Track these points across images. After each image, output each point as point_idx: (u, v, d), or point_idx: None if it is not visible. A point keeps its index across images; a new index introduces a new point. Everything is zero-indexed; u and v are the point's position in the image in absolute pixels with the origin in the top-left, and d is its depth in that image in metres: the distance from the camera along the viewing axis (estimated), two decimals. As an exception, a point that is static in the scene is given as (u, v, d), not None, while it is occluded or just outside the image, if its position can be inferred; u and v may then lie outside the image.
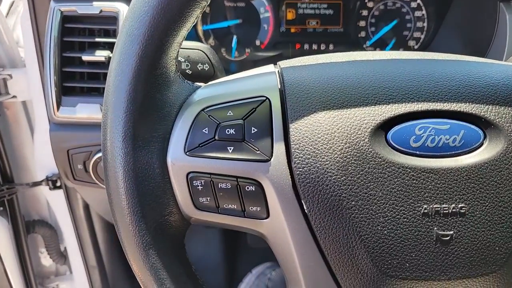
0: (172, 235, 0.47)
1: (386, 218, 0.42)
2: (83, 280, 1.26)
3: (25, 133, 1.17)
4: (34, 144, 1.08)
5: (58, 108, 0.75)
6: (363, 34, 0.99)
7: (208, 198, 0.45)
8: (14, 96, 1.07)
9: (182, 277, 0.47)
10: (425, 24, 0.99)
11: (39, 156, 1.07)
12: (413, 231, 0.43)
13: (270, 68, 0.50)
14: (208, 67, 0.58)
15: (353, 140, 0.43)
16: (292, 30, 0.98)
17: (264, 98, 0.45)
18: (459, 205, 0.43)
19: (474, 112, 0.44)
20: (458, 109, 0.44)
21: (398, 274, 0.43)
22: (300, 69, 0.48)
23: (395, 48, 0.99)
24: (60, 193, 1.09)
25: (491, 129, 0.44)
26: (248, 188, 0.44)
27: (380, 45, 0.99)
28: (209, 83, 0.49)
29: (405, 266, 0.43)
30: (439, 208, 0.43)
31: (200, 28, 0.96)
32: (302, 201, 0.43)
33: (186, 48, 0.57)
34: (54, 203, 1.14)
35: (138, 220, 0.43)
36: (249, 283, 1.29)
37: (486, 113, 0.44)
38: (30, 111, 1.14)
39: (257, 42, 0.98)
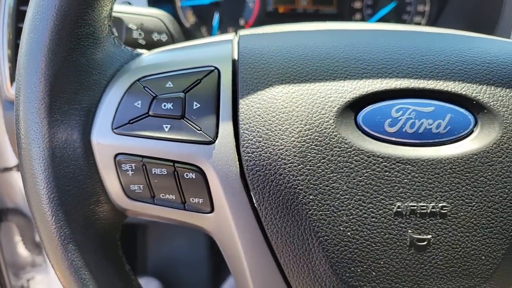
0: (101, 229, 0.40)
1: (351, 217, 0.35)
2: (58, 271, 1.20)
3: (-2, 114, 1.10)
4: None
5: (11, 84, 0.68)
6: (358, 16, 0.91)
7: (141, 185, 0.37)
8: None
9: (110, 279, 0.39)
10: (427, 8, 0.90)
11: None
12: (382, 233, 0.35)
13: (229, 36, 0.43)
14: (166, 37, 0.51)
15: (315, 121, 0.35)
16: (280, 10, 0.91)
17: (212, 68, 0.38)
18: (440, 204, 0.35)
19: (464, 92, 0.37)
20: (445, 89, 0.37)
21: (362, 284, 0.36)
22: (262, 37, 0.41)
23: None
24: (32, 179, 1.02)
25: (484, 114, 0.37)
26: (187, 175, 0.37)
27: (376, 29, 0.91)
28: (154, 50, 0.42)
29: (371, 276, 0.35)
30: (415, 207, 0.35)
31: (178, 4, 0.89)
32: (251, 193, 0.36)
33: (139, 15, 0.50)
34: (26, 191, 1.07)
35: (55, 209, 0.36)
36: (232, 283, 1.23)
37: (478, 94, 0.37)
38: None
39: (241, 22, 0.90)
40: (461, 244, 0.36)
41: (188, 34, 0.88)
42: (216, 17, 0.88)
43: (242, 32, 0.43)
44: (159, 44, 0.51)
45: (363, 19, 0.91)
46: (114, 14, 0.49)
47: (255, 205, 0.36)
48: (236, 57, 0.38)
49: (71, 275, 0.37)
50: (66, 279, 0.38)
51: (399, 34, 0.42)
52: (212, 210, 0.38)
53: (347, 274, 0.35)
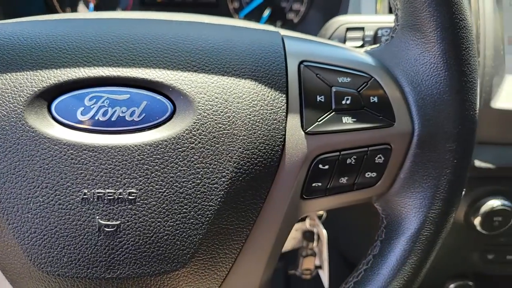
0: None
1: (38, 204, 0.36)
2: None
3: None
4: None
5: None
6: (236, 4, 0.91)
7: None
8: None
9: None
10: (305, -5, 0.90)
11: None
12: (70, 220, 0.36)
13: None
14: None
15: (3, 110, 0.36)
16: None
17: None
18: (128, 191, 0.36)
19: (160, 80, 0.37)
20: (141, 76, 0.37)
21: (55, 270, 0.36)
22: (12, 25, 0.41)
23: (272, 21, 0.91)
24: None
25: (181, 101, 0.37)
26: None
27: (255, 16, 0.91)
28: None
29: (63, 261, 0.36)
30: (102, 194, 0.36)
31: (51, -5, 0.89)
32: None
33: None
34: None
35: None
36: None
37: (176, 81, 0.37)
38: None
39: (118, 11, 0.90)
40: (153, 229, 0.36)
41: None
42: (91, 6, 0.89)
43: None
44: None
45: (240, 7, 0.91)
46: None
47: None
48: None
49: None
50: None
51: (130, 23, 0.42)
52: None
53: (41, 260, 0.36)
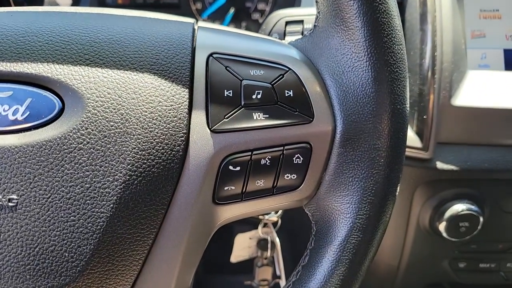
0: None
1: None
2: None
3: None
4: None
5: None
6: (198, 5, 0.88)
7: None
8: None
9: None
10: (270, -6, 0.87)
11: None
12: None
13: None
14: None
15: None
16: (119, 1, 0.88)
17: None
18: (8, 197, 0.32)
19: (47, 74, 0.34)
20: (26, 71, 0.34)
21: None
22: None
23: (236, 22, 0.88)
24: None
25: (70, 97, 0.34)
26: None
27: (219, 17, 0.88)
28: None
29: None
30: None
31: (7, -2, 0.87)
32: None
33: None
34: None
35: None
36: None
37: (64, 76, 0.34)
38: None
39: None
40: (37, 239, 0.33)
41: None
42: (49, 10, 0.86)
43: None
44: None
45: (203, 8, 0.88)
46: None
47: None
48: None
49: None
50: None
51: (29, 15, 0.39)
52: None
53: None
